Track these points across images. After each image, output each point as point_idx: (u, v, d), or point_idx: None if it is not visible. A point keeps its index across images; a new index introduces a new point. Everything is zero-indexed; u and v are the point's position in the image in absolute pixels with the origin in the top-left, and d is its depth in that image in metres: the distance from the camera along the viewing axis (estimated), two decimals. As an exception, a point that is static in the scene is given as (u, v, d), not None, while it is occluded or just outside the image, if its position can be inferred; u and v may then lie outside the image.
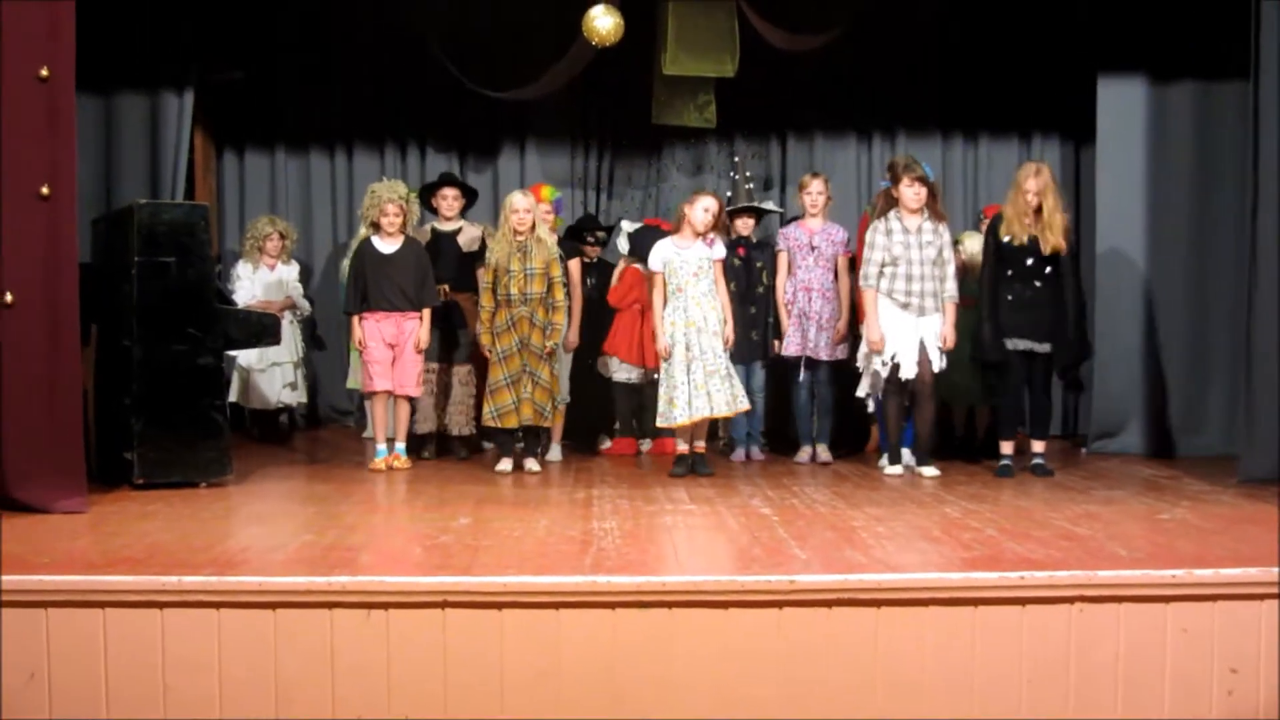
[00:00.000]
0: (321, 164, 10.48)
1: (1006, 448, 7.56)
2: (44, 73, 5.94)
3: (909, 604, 4.53)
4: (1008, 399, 7.65)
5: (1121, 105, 8.76)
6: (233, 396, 9.11)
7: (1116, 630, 4.55)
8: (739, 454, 8.22)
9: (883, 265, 7.45)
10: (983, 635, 4.53)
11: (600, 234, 8.85)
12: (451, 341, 8.26)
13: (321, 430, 10.09)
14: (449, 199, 8.40)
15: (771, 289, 8.29)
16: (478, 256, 8.21)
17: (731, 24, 8.56)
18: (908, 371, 7.40)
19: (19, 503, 5.97)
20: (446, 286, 8.15)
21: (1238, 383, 7.49)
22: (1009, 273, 7.46)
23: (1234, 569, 4.63)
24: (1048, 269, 7.41)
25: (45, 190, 5.95)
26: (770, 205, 9.26)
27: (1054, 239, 7.34)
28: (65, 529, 5.60)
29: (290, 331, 9.22)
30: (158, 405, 6.88)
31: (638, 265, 8.46)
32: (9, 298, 5.90)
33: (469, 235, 8.38)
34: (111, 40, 8.09)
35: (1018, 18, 9.55)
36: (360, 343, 7.70)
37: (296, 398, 9.38)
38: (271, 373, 9.20)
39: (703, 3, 8.52)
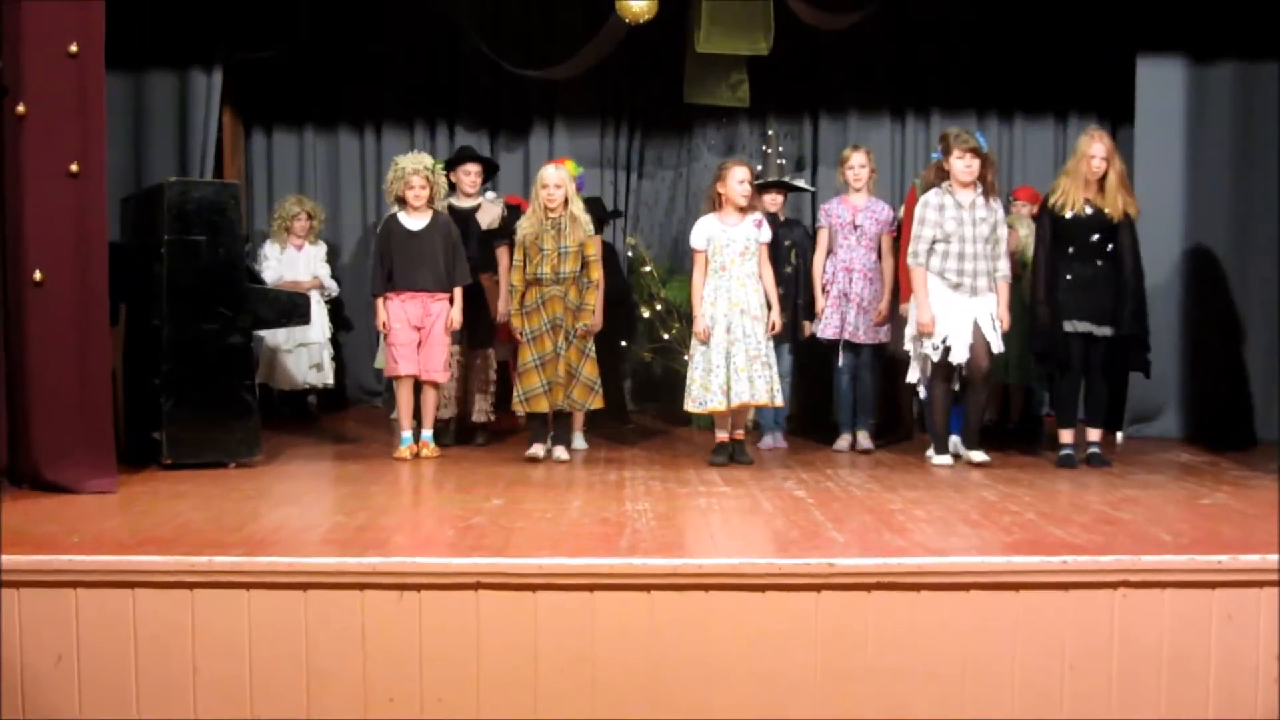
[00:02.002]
0: (350, 144, 10.45)
1: (1066, 436, 7.17)
2: (74, 49, 5.90)
3: (950, 588, 4.46)
4: (1066, 385, 7.21)
5: (1160, 85, 8.63)
6: (260, 377, 9.09)
7: (1161, 616, 4.46)
8: (766, 441, 8.00)
9: (933, 242, 7.09)
10: (1025, 620, 4.45)
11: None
12: (473, 323, 7.81)
13: (349, 410, 10.04)
14: (471, 175, 8.11)
15: (799, 269, 8.10)
16: (498, 234, 7.93)
17: (765, 2, 8.45)
18: (959, 355, 7.01)
19: (50, 483, 5.96)
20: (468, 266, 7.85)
21: (1275, 367, 7.37)
22: (1070, 250, 7.07)
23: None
24: (1109, 246, 7.06)
25: (75, 168, 5.92)
26: (801, 183, 9.14)
27: (1124, 201, 7.02)
28: (95, 509, 5.57)
29: (318, 312, 9.18)
30: (187, 385, 6.86)
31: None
32: (38, 276, 5.89)
33: (489, 213, 8.10)
34: (141, 18, 8.08)
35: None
36: (384, 325, 7.38)
37: (323, 378, 9.34)
38: (299, 353, 9.18)
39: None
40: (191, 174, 8.30)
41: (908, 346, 7.30)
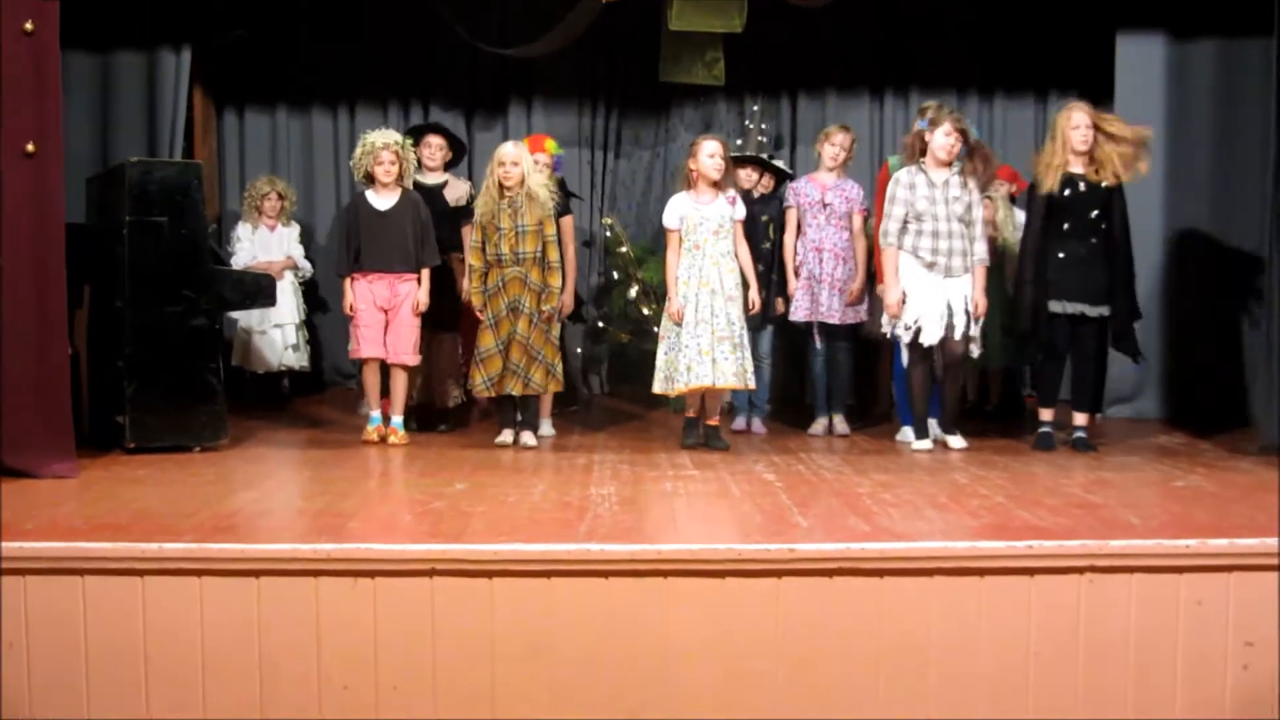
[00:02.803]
0: (324, 124, 10.33)
1: (1046, 415, 7.06)
2: (29, 26, 5.79)
3: (913, 574, 4.39)
4: (1051, 366, 7.09)
5: (1141, 63, 8.56)
6: (234, 360, 9.02)
7: (1128, 602, 4.40)
8: (739, 422, 7.86)
9: (905, 221, 6.91)
10: (989, 606, 4.39)
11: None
12: (438, 306, 7.50)
13: (325, 393, 9.95)
14: (433, 148, 7.93)
15: (777, 244, 7.94)
16: (464, 213, 7.75)
17: (739, -22, 8.37)
18: (930, 337, 6.85)
19: (9, 468, 5.85)
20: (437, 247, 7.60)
21: (1257, 347, 7.30)
22: (1065, 226, 6.90)
23: (1250, 539, 4.46)
24: (1103, 224, 6.91)
25: (31, 148, 5.82)
26: (779, 163, 9.03)
27: (1116, 167, 6.87)
28: (52, 494, 5.49)
29: (292, 293, 9.12)
30: (150, 368, 6.77)
31: None
32: (-4, 260, 5.79)
33: (456, 191, 7.96)
34: (107, -3, 7.99)
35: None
36: (350, 307, 7.17)
37: (299, 360, 9.23)
38: (273, 335, 9.08)
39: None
40: (160, 155, 8.20)
41: (885, 329, 7.16)
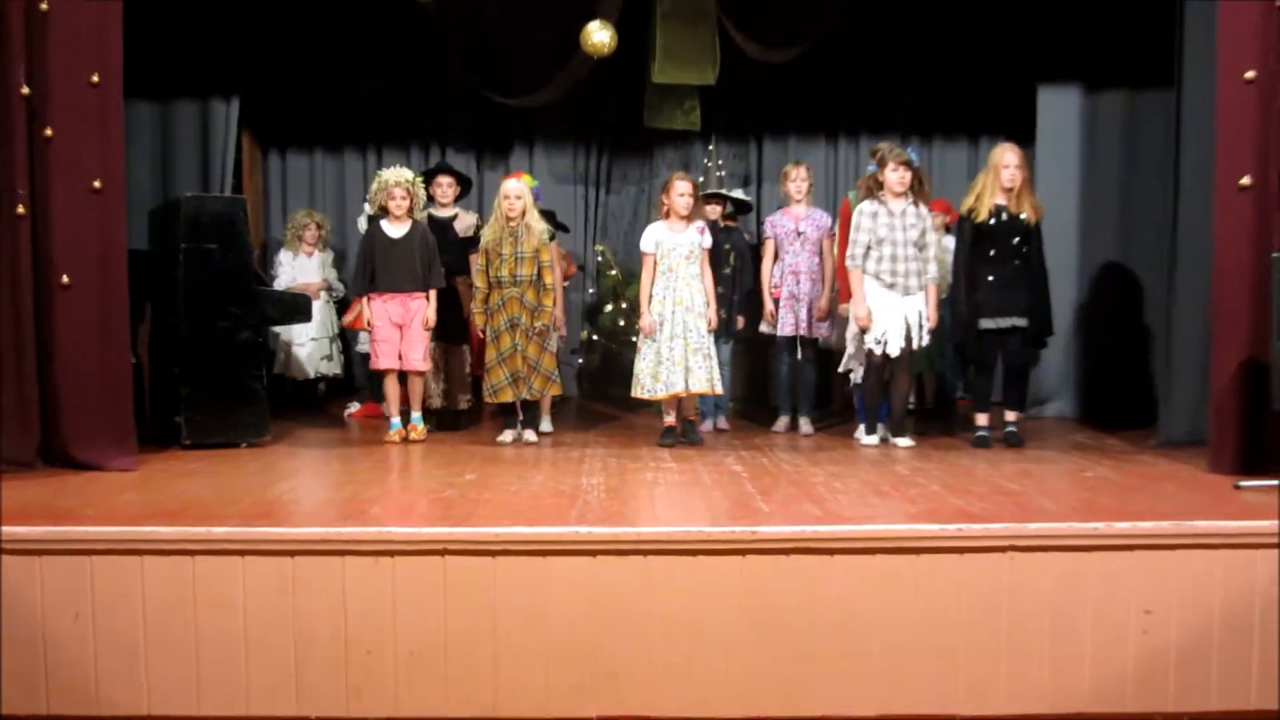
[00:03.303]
0: (355, 163, 10.33)
1: (982, 419, 7.01)
2: (95, 79, 5.77)
3: (858, 552, 4.38)
4: (987, 375, 7.07)
5: (1059, 111, 8.61)
6: (276, 368, 8.99)
7: (1045, 576, 4.39)
8: (708, 424, 7.74)
9: (868, 246, 6.85)
10: (925, 581, 4.38)
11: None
12: (450, 322, 7.58)
13: (355, 396, 9.88)
14: (444, 186, 7.92)
15: (737, 270, 7.90)
16: (472, 242, 7.72)
17: (713, 38, 8.39)
18: (894, 349, 6.80)
19: (78, 461, 5.85)
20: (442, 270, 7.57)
21: (1157, 355, 7.30)
22: (992, 253, 6.87)
23: (1149, 522, 4.46)
24: (1024, 247, 6.90)
25: (98, 184, 5.80)
26: (739, 194, 9.02)
27: (1033, 205, 6.90)
28: (115, 485, 5.46)
29: (326, 310, 9.09)
30: (203, 375, 6.77)
31: None
32: (65, 279, 5.77)
33: (464, 222, 7.95)
34: (167, 55, 8.04)
35: (966, 33, 9.34)
36: (368, 323, 7.13)
37: (332, 368, 9.22)
38: (310, 346, 9.05)
39: (688, 19, 8.31)
40: (212, 190, 8.20)
41: (848, 341, 7.08)
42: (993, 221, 6.89)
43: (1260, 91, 5.66)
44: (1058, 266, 8.26)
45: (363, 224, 8.18)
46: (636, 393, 7.01)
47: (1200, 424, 6.60)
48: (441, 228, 7.70)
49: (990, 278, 6.89)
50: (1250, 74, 5.63)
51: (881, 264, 6.87)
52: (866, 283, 6.90)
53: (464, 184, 8.28)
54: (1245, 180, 5.64)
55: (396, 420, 7.19)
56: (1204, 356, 6.59)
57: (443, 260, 7.32)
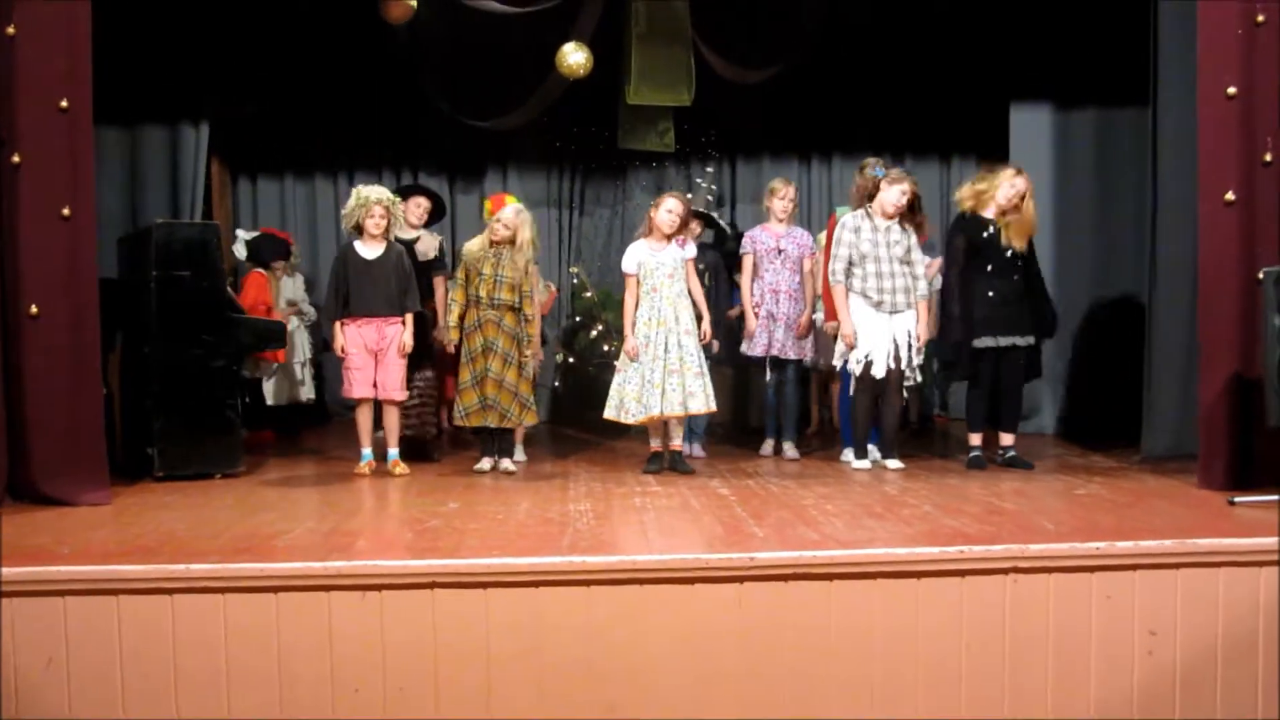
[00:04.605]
0: (326, 187, 10.19)
1: (976, 439, 6.70)
2: (64, 104, 5.58)
3: (858, 577, 4.24)
4: (980, 395, 6.70)
5: (1031, 129, 8.57)
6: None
7: (1047, 598, 4.28)
8: (685, 450, 7.13)
9: (850, 262, 6.59)
10: (926, 604, 4.25)
11: None
12: (416, 347, 7.02)
13: (331, 424, 9.70)
14: (421, 209, 7.60)
15: (710, 290, 7.64)
16: (435, 265, 7.48)
17: (688, 60, 8.27)
18: (879, 370, 6.56)
19: (48, 496, 5.63)
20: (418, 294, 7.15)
21: (1136, 372, 7.23)
22: (989, 267, 6.55)
23: (1150, 540, 4.36)
24: (1019, 261, 6.60)
25: (66, 211, 5.60)
26: (717, 217, 8.88)
27: (1029, 230, 6.62)
28: (88, 520, 5.24)
29: (299, 335, 8.87)
30: (176, 405, 6.55)
31: (259, 270, 8.35)
32: (34, 309, 5.56)
33: (426, 244, 7.57)
34: (135, 79, 7.81)
35: (939, 53, 9.27)
36: (342, 350, 6.69)
37: (306, 394, 8.99)
38: (283, 372, 8.82)
39: (663, 41, 8.20)
40: (183, 216, 7.98)
41: (836, 362, 6.88)
42: (984, 234, 6.62)
43: (1242, 107, 5.60)
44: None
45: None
46: (616, 416, 6.66)
47: (1183, 438, 6.56)
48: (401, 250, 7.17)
49: (990, 293, 6.60)
50: (1232, 90, 5.58)
51: (867, 281, 6.62)
52: (853, 301, 6.66)
53: (437, 209, 8.00)
54: (1230, 196, 5.58)
55: (367, 451, 6.81)
56: (1185, 371, 6.57)
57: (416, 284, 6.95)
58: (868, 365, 6.63)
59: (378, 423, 6.91)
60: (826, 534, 4.64)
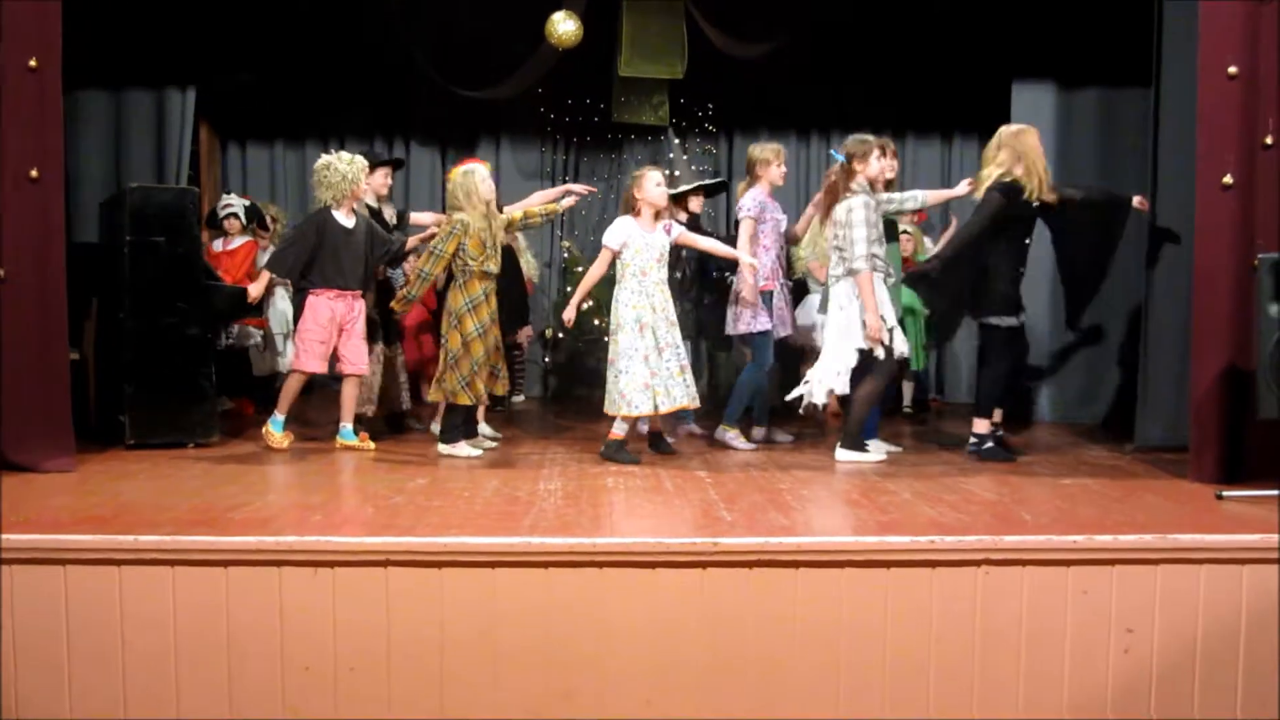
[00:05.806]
0: (316, 156, 9.84)
1: (981, 426, 6.29)
2: (33, 63, 5.46)
3: (825, 565, 4.10)
4: (1000, 375, 6.27)
5: (1033, 108, 8.33)
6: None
7: (1020, 592, 4.13)
8: (682, 429, 7.16)
9: (875, 244, 6.06)
10: (895, 595, 4.11)
11: None
12: (388, 322, 6.92)
13: (314, 394, 9.54)
14: (385, 179, 7.20)
15: (685, 276, 7.26)
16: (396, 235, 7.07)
17: (680, 29, 8.10)
18: (901, 346, 6.13)
19: (13, 463, 5.53)
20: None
21: (1131, 359, 7.06)
22: (1026, 242, 6.14)
23: (1130, 535, 4.20)
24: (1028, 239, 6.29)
25: (34, 173, 5.49)
26: (710, 180, 8.59)
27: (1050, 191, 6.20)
28: (49, 488, 5.15)
29: (283, 306, 8.73)
30: (148, 372, 6.47)
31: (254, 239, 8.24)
32: (1, 273, 5.43)
33: (389, 215, 7.24)
34: (122, 43, 7.71)
35: (940, 29, 9.08)
36: (304, 322, 6.42)
37: (287, 365, 8.84)
38: (265, 343, 8.70)
39: (654, 8, 8.01)
40: (168, 182, 7.86)
41: (840, 357, 6.15)
42: (1036, 205, 6.11)
43: (1243, 88, 5.42)
44: (1032, 269, 8.02)
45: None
46: (611, 409, 6.19)
47: (1177, 427, 6.39)
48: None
49: (1021, 269, 6.23)
50: (1233, 69, 5.40)
51: (878, 261, 6.19)
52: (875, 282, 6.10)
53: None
54: (1228, 179, 5.40)
55: (280, 418, 6.54)
56: (1181, 359, 6.38)
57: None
58: (889, 350, 6.14)
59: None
60: (798, 520, 4.50)
